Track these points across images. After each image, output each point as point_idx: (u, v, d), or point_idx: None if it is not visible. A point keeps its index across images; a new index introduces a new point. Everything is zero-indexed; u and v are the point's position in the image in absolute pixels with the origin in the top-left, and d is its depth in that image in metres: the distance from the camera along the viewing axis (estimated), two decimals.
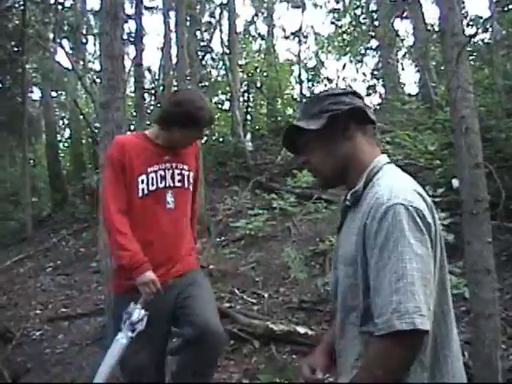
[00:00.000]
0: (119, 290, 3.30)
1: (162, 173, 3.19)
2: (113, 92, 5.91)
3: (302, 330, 5.07)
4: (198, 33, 13.87)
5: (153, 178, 3.16)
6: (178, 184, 3.24)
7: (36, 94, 19.53)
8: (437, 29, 12.76)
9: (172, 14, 15.64)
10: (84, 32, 16.17)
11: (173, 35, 15.01)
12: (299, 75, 19.24)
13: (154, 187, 3.15)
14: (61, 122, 22.09)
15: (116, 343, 2.92)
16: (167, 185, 3.20)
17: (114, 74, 5.94)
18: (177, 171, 3.24)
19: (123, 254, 3.01)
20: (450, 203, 6.26)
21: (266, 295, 6.38)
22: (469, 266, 3.67)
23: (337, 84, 20.31)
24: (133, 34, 14.32)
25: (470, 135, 3.60)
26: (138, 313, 2.91)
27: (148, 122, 13.79)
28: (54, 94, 18.33)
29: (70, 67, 14.68)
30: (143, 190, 3.13)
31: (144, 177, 3.13)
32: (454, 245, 5.71)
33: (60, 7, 14.09)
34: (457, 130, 3.67)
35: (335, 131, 1.77)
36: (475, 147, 3.61)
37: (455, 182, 6.83)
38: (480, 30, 8.77)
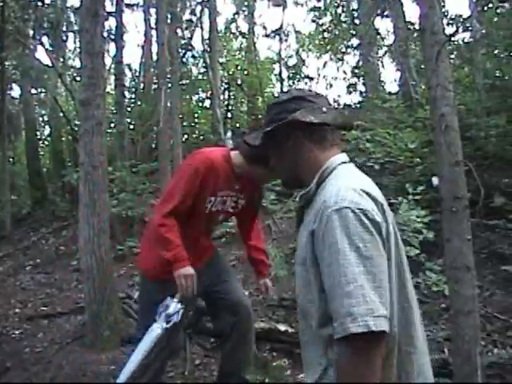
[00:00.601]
0: (155, 278, 3.61)
1: (225, 198, 3.56)
2: (93, 89, 5.89)
3: (282, 327, 5.07)
4: (178, 30, 13.78)
5: (218, 201, 3.53)
6: (230, 210, 3.66)
7: (15, 91, 19.41)
8: (417, 27, 12.85)
9: (153, 11, 15.67)
10: (64, 29, 16.05)
11: (153, 32, 15.03)
12: (280, 73, 19.25)
13: (215, 209, 3.55)
14: (40, 119, 21.87)
15: (151, 332, 3.14)
16: (223, 209, 3.61)
17: (94, 71, 5.93)
18: (234, 198, 3.61)
19: (170, 248, 3.32)
20: (430, 201, 6.30)
21: (246, 293, 6.36)
22: (448, 263, 3.69)
23: (317, 82, 20.43)
24: (113, 31, 14.27)
25: (450, 133, 3.62)
26: (174, 306, 3.20)
27: (128, 120, 13.78)
28: (33, 91, 18.15)
29: (50, 64, 14.57)
30: (206, 209, 3.50)
31: (213, 198, 3.49)
32: (433, 242, 5.77)
33: (40, 3, 13.93)
34: (437, 127, 3.69)
35: (279, 141, 1.89)
36: (455, 145, 3.64)
37: (435, 180, 6.87)
38: (460, 29, 8.81)
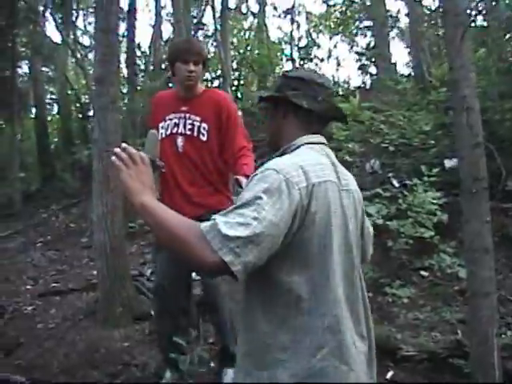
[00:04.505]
0: None
1: (177, 121, 3.84)
2: (107, 66, 5.86)
3: None
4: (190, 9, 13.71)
5: (168, 125, 3.85)
6: (188, 132, 3.82)
7: (23, 68, 19.34)
8: (433, 8, 12.77)
9: None
10: (74, 7, 15.97)
11: (163, 12, 14.95)
12: (291, 53, 19.16)
13: (169, 132, 3.83)
14: (48, 97, 21.83)
15: None
16: (179, 131, 3.83)
17: (108, 48, 5.89)
18: (188, 121, 3.82)
19: None
20: (443, 183, 6.29)
21: None
22: (467, 244, 3.69)
23: (328, 62, 20.28)
24: (124, 10, 14.18)
25: (471, 115, 3.60)
26: None
27: (140, 98, 13.72)
28: (43, 68, 18.10)
29: (60, 42, 14.54)
30: (161, 134, 3.79)
31: (163, 123, 3.86)
32: (447, 225, 5.76)
33: None
34: (457, 109, 3.67)
35: (273, 107, 2.08)
36: (476, 127, 3.62)
37: (448, 163, 6.88)
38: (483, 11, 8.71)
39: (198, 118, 3.82)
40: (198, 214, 3.40)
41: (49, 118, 20.56)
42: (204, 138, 3.82)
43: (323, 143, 2.02)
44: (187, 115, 3.84)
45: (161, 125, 3.87)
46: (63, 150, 17.47)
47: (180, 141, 3.83)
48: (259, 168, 1.82)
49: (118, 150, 1.85)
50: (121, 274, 5.70)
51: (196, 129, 3.82)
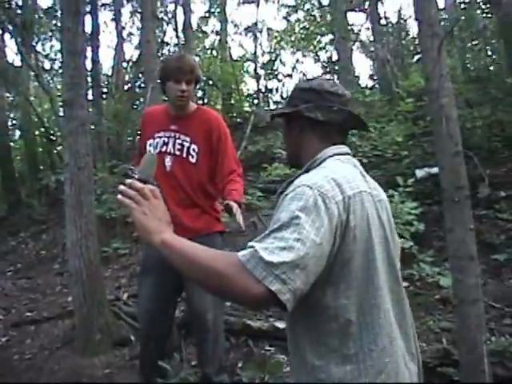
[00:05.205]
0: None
1: (166, 139, 3.75)
2: (76, 89, 5.79)
3: (280, 325, 5.02)
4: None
5: (157, 143, 3.75)
6: (177, 152, 3.73)
7: None
8: (394, 21, 12.95)
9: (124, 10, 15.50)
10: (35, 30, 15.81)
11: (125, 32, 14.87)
12: (255, 70, 19.22)
13: (157, 150, 3.71)
14: (10, 122, 21.51)
15: None
16: (168, 150, 3.74)
17: (76, 70, 5.82)
18: (178, 141, 3.74)
19: None
20: (417, 193, 6.34)
21: None
22: (451, 252, 3.70)
23: (291, 78, 20.46)
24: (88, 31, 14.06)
25: (450, 124, 3.63)
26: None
27: (105, 120, 13.65)
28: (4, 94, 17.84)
29: (21, 66, 14.34)
30: (149, 151, 3.65)
31: (151, 141, 3.78)
32: (422, 234, 5.80)
33: (10, 4, 13.68)
34: (436, 118, 3.69)
35: (287, 123, 2.01)
36: (455, 135, 3.65)
37: (419, 173, 6.95)
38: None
39: (187, 139, 3.75)
40: (186, 237, 3.41)
41: (11, 144, 20.27)
42: (193, 160, 3.74)
43: (348, 153, 1.93)
44: (177, 134, 3.76)
45: (149, 142, 3.80)
46: (28, 176, 17.23)
47: (168, 160, 3.74)
48: (287, 188, 1.73)
49: (122, 187, 1.72)
50: (98, 299, 5.60)
51: (185, 150, 3.74)
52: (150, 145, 3.78)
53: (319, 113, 1.87)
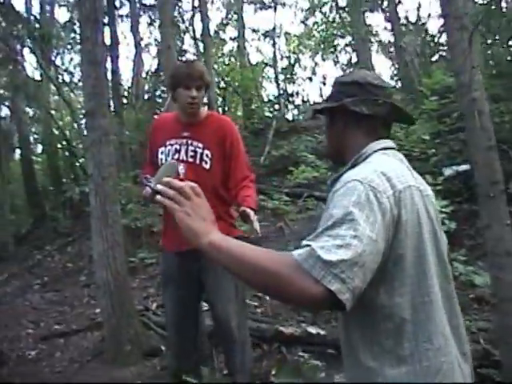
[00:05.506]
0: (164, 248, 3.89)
1: (178, 147, 3.69)
2: (98, 99, 5.76)
3: (313, 330, 4.92)
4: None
5: (169, 150, 3.70)
6: (190, 159, 3.67)
7: (3, 109, 19.25)
8: (413, 20, 12.83)
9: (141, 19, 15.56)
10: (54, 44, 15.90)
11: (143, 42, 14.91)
12: (275, 75, 19.19)
13: (170, 158, 3.66)
14: (32, 136, 21.72)
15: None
16: (180, 158, 3.66)
17: (97, 80, 5.79)
18: (191, 148, 3.68)
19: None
20: (444, 192, 6.22)
21: (267, 297, 6.23)
22: (489, 249, 3.60)
23: (311, 81, 20.42)
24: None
25: (482, 117, 3.53)
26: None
27: (127, 131, 13.69)
28: (26, 108, 18.03)
29: (41, 79, 14.43)
30: (161, 159, 3.68)
31: (163, 149, 3.72)
32: (453, 233, 5.67)
33: (32, 17, 13.78)
34: (468, 113, 3.60)
35: (330, 118, 1.95)
36: (488, 129, 3.55)
37: (446, 171, 6.82)
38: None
39: (200, 145, 3.69)
40: None
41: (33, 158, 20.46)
42: (207, 166, 3.68)
43: (393, 148, 1.86)
44: (189, 141, 3.70)
45: (160, 150, 3.74)
46: (52, 190, 17.36)
47: (181, 168, 3.66)
48: (333, 185, 1.69)
49: (160, 187, 1.60)
50: (127, 310, 5.56)
51: (198, 156, 3.68)
52: (162, 153, 3.73)
53: (364, 106, 1.81)
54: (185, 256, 3.47)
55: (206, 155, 3.68)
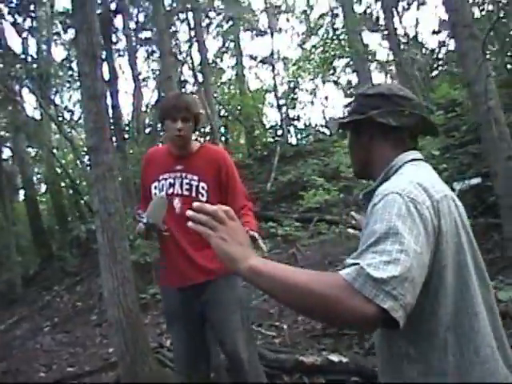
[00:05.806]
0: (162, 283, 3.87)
1: (172, 181, 3.62)
2: (100, 134, 5.66)
3: (335, 358, 4.75)
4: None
5: (163, 185, 3.62)
6: (185, 193, 3.60)
7: (4, 151, 19.26)
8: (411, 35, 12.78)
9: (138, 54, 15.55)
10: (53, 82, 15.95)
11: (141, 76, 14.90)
12: (277, 101, 19.15)
13: (164, 193, 3.54)
14: (34, 176, 21.72)
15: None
16: (175, 192, 3.59)
17: (98, 115, 5.69)
18: (185, 181, 3.61)
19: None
20: None
21: (285, 326, 6.07)
22: None
23: (312, 104, 20.38)
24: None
25: (499, 126, 3.42)
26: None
27: (131, 166, 13.61)
28: (28, 148, 18.05)
29: (41, 118, 14.42)
30: (155, 195, 3.58)
31: (156, 183, 3.64)
32: None
33: (29, 57, 13.80)
34: (484, 122, 3.48)
35: (356, 132, 1.90)
36: (506, 139, 3.43)
37: (458, 185, 6.69)
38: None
39: (195, 178, 3.63)
40: (202, 280, 3.49)
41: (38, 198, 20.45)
42: (203, 199, 3.59)
43: (422, 159, 1.81)
44: (183, 174, 3.64)
45: (154, 185, 3.67)
46: (58, 229, 17.29)
47: (177, 202, 3.61)
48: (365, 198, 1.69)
49: (190, 213, 1.51)
50: (141, 348, 5.39)
51: (194, 189, 3.62)
52: (156, 187, 3.66)
53: (391, 118, 1.78)
54: (188, 291, 3.50)
55: (202, 187, 3.62)
